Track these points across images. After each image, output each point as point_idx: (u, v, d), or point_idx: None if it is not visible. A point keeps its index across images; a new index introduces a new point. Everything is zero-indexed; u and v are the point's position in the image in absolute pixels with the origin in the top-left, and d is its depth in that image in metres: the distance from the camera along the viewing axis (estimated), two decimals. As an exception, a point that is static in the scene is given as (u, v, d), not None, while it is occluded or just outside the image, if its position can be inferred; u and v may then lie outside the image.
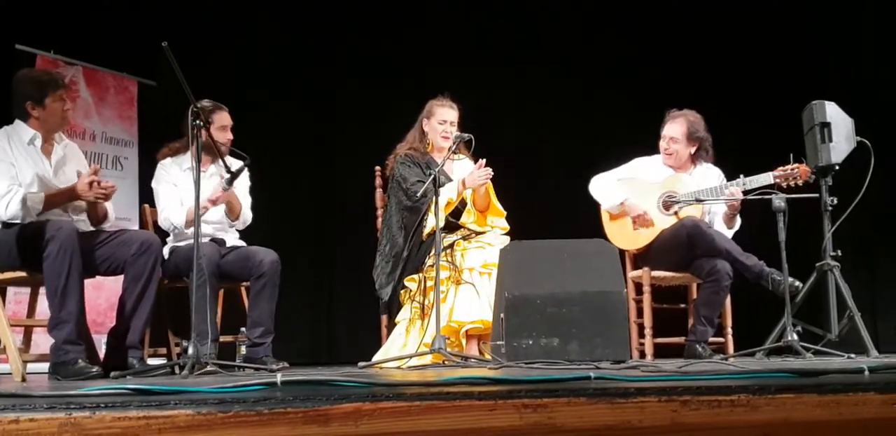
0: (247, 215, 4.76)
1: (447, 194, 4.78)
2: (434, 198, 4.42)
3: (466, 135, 4.61)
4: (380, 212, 5.18)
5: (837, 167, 4.84)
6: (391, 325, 4.87)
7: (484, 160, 4.80)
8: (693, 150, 5.08)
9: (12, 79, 4.02)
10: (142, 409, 1.75)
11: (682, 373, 2.53)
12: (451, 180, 4.94)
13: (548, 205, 6.56)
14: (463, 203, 4.99)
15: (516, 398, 1.83)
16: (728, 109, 6.45)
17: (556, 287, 3.98)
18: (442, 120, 5.05)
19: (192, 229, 3.96)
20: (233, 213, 4.67)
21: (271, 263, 4.43)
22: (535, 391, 1.87)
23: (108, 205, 4.15)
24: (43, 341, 4.39)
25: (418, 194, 4.65)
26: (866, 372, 2.31)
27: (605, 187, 5.16)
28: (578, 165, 5.83)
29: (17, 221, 3.80)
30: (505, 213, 5.06)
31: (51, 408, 1.75)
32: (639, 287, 5.09)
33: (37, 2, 5.90)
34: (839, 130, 4.85)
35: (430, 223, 4.80)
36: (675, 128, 5.07)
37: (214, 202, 4.46)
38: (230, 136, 4.59)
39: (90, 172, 3.90)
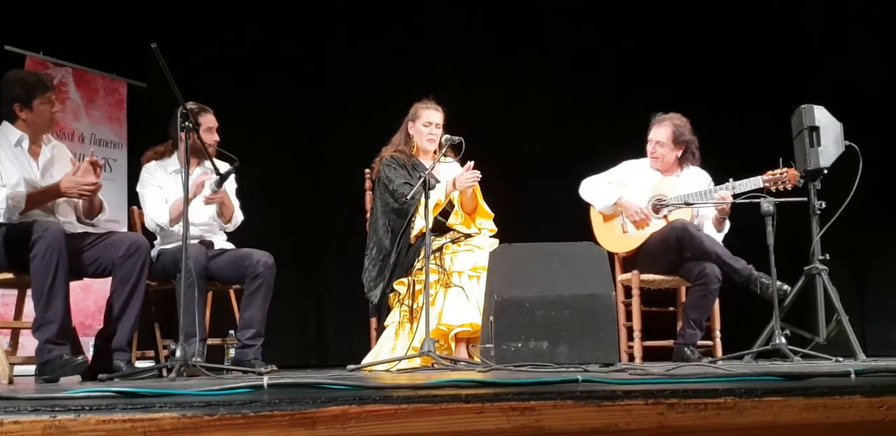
0: (237, 217, 4.76)
1: (436, 196, 4.78)
2: (423, 200, 4.42)
3: (457, 138, 4.59)
4: (368, 215, 5.17)
5: (826, 171, 4.85)
6: (380, 328, 4.86)
7: (472, 163, 4.80)
8: (679, 153, 5.11)
9: (0, 80, 4.01)
10: (127, 412, 1.74)
11: (669, 376, 2.53)
12: (439, 182, 4.93)
13: (537, 207, 6.57)
14: (451, 205, 4.99)
15: (503, 401, 1.83)
16: (717, 113, 6.47)
17: (546, 290, 3.98)
18: (427, 122, 5.06)
19: (179, 229, 3.95)
20: (224, 216, 4.67)
21: (267, 264, 4.43)
22: (522, 394, 1.87)
23: (103, 198, 4.14)
24: (30, 344, 4.37)
25: (407, 196, 4.65)
26: (853, 375, 2.32)
27: (597, 189, 5.17)
28: (567, 167, 5.84)
29: (0, 221, 3.78)
30: (492, 215, 5.06)
31: (35, 410, 1.73)
32: (628, 290, 5.10)
33: (26, 3, 5.88)
34: (828, 134, 4.87)
35: (418, 225, 4.80)
36: (661, 131, 5.09)
37: (211, 200, 4.46)
38: (216, 137, 4.59)
39: (80, 164, 3.90)
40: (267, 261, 4.44)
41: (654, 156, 5.13)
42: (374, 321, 4.99)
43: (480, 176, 4.79)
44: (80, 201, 4.08)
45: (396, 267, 4.85)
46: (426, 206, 4.41)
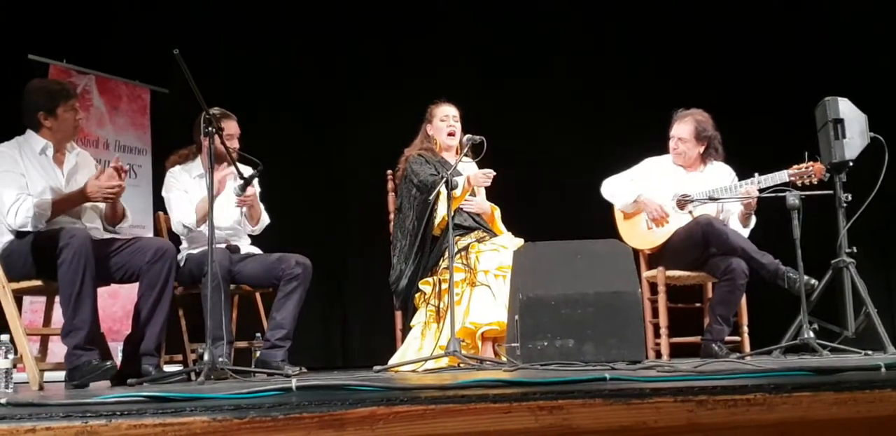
0: (265, 220, 4.79)
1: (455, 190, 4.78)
2: (444, 193, 4.44)
3: (478, 137, 4.58)
4: (392, 217, 5.18)
5: (851, 163, 4.82)
6: (405, 328, 4.87)
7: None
8: (702, 149, 5.08)
9: (24, 89, 4.04)
10: (157, 416, 1.75)
11: (697, 373, 2.52)
12: (461, 174, 4.94)
13: (560, 205, 6.56)
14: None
15: (531, 400, 1.83)
16: (741, 107, 6.45)
17: (571, 288, 3.97)
18: (444, 116, 5.08)
19: (205, 232, 3.97)
20: (253, 218, 4.70)
21: (305, 266, 4.46)
22: (550, 393, 1.86)
23: (125, 204, 4.17)
24: (59, 350, 4.40)
25: (430, 187, 4.68)
26: (883, 369, 2.30)
27: (617, 188, 5.16)
28: (591, 165, 5.83)
29: (28, 230, 3.81)
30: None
31: (67, 416, 1.75)
32: (654, 287, 5.08)
33: (49, 12, 5.93)
34: (852, 126, 4.84)
35: (441, 214, 4.81)
36: (683, 128, 5.07)
37: (244, 202, 4.48)
38: (236, 145, 4.58)
39: (100, 170, 3.92)
40: (305, 263, 4.47)
41: (676, 152, 5.11)
42: (399, 321, 5.00)
43: (494, 174, 4.78)
44: (104, 208, 4.11)
45: (422, 256, 4.85)
46: (449, 207, 4.43)
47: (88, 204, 4.03)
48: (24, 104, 4.02)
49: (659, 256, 5.08)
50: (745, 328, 5.01)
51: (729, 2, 6.77)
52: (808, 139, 4.94)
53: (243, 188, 4.26)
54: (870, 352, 4.31)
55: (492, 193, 5.17)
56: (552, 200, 6.68)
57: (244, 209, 4.65)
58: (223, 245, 4.57)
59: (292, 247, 4.72)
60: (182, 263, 4.50)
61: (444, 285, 4.59)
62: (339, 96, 7.02)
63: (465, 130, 4.99)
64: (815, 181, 4.75)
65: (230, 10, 6.73)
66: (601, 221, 5.29)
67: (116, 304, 5.76)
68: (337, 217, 7.02)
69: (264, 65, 6.83)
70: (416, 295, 4.84)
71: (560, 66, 7.03)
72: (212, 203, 3.78)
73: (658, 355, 4.95)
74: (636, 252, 4.91)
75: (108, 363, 3.63)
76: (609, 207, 5.24)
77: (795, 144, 4.81)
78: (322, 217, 6.99)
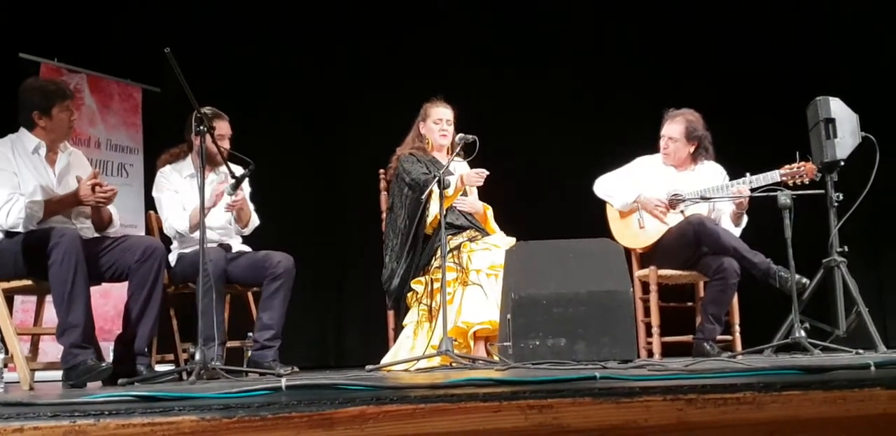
0: (254, 221, 4.77)
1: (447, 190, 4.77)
2: (436, 191, 4.43)
3: (471, 136, 4.58)
4: (384, 216, 5.17)
5: (843, 163, 4.83)
6: (398, 327, 4.86)
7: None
8: (692, 149, 5.09)
9: (19, 87, 4.03)
10: (146, 415, 1.74)
11: (687, 371, 2.52)
12: (452, 174, 4.93)
13: (552, 204, 6.55)
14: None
15: (521, 399, 1.83)
16: (732, 106, 6.44)
17: (563, 287, 3.97)
18: (437, 119, 5.09)
19: (197, 235, 3.97)
20: (242, 220, 4.68)
21: (287, 265, 4.45)
22: (539, 392, 1.86)
23: (113, 210, 4.15)
24: (50, 349, 4.40)
25: (422, 185, 4.67)
26: (872, 368, 2.30)
27: (614, 187, 5.16)
28: (582, 164, 5.83)
29: (19, 230, 3.80)
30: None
31: (55, 416, 1.74)
32: (645, 286, 5.08)
33: (40, 10, 5.91)
34: (844, 126, 4.83)
35: (433, 212, 4.81)
36: (674, 127, 5.07)
37: (232, 207, 4.47)
38: (227, 145, 4.57)
39: (90, 176, 3.91)
40: (287, 262, 4.45)
41: (666, 152, 5.12)
42: (391, 321, 4.99)
43: (487, 173, 4.78)
44: (91, 213, 4.10)
45: (414, 256, 4.84)
46: (441, 206, 4.42)
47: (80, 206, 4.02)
48: (18, 103, 4.01)
49: (651, 256, 5.08)
50: (737, 327, 5.00)
51: (729, 2, 6.77)
52: (806, 139, 4.94)
53: (234, 187, 4.25)
54: (861, 351, 4.31)
55: (489, 193, 5.16)
56: (550, 199, 6.68)
57: (233, 213, 4.63)
58: (215, 245, 4.55)
59: (288, 246, 4.70)
60: (174, 263, 4.49)
61: (437, 285, 4.58)
62: (339, 96, 7.01)
63: (464, 130, 4.97)
64: (806, 181, 4.75)
65: (230, 10, 6.71)
66: (599, 221, 5.28)
67: (108, 303, 5.74)
68: (333, 217, 7.01)
69: (264, 65, 6.82)
70: (409, 294, 4.84)
71: (560, 66, 7.03)
72: (203, 204, 3.77)
73: (650, 354, 4.96)
74: (628, 251, 4.91)
75: (103, 365, 3.61)
76: (601, 206, 5.24)
77: (794, 144, 4.82)
78: (315, 215, 6.98)
